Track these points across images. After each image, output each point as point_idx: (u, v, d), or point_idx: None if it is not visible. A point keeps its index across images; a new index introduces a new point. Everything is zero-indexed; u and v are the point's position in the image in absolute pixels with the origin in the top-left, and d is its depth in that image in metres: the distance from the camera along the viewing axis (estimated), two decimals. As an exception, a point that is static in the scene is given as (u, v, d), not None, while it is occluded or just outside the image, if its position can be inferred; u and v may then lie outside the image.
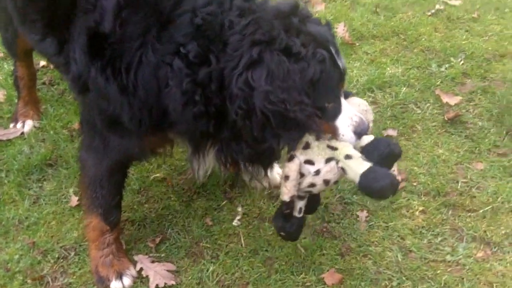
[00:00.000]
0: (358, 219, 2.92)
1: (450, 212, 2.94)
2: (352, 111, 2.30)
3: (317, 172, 2.27)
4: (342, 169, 2.23)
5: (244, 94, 2.09)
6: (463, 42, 4.17)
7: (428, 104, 3.61)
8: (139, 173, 3.18)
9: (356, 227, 2.88)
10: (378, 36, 4.26)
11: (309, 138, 2.25)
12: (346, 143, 2.27)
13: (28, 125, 3.51)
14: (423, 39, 4.21)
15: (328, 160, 2.25)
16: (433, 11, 4.54)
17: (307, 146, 2.27)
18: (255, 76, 2.08)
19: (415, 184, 3.09)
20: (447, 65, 3.94)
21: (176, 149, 3.22)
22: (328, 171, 2.26)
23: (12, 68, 3.70)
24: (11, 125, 3.53)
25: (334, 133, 2.28)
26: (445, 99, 3.61)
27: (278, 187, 3.03)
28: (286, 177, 2.31)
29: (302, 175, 2.30)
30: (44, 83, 3.86)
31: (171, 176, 3.18)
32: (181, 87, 2.18)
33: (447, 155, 3.26)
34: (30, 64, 3.52)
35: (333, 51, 2.23)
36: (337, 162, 2.24)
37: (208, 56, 2.15)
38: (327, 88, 2.21)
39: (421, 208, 2.96)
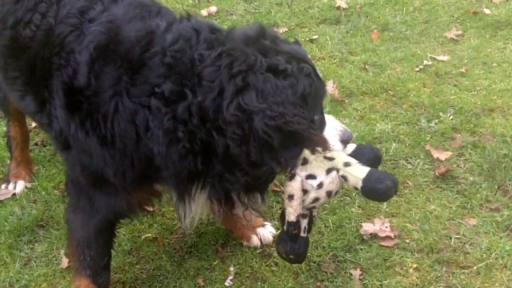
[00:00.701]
0: (351, 277, 2.89)
1: (444, 269, 2.92)
2: (335, 121, 2.37)
3: (320, 185, 2.28)
4: (343, 177, 2.25)
5: (238, 119, 2.08)
6: (452, 97, 4.22)
7: (419, 160, 3.63)
8: (130, 233, 3.16)
9: (350, 286, 2.85)
10: (367, 92, 4.31)
11: (305, 153, 2.26)
12: (339, 152, 2.32)
13: (20, 185, 3.50)
14: (412, 94, 4.26)
15: (328, 171, 2.27)
16: (421, 66, 4.60)
17: (305, 162, 2.28)
18: (246, 100, 2.08)
19: (408, 241, 3.07)
20: (436, 120, 3.97)
21: (167, 208, 3.24)
22: (331, 182, 2.28)
23: (4, 129, 3.73)
24: (3, 186, 3.52)
25: (325, 144, 2.30)
26: (436, 154, 3.63)
27: (270, 245, 3.04)
28: (290, 197, 2.32)
29: (305, 191, 2.30)
30: (36, 144, 3.87)
31: (162, 236, 3.16)
32: (163, 126, 2.18)
33: (439, 211, 3.26)
34: (23, 123, 3.53)
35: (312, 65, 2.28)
36: (338, 171, 2.26)
37: (184, 91, 2.16)
38: (316, 101, 2.25)
39: (415, 266, 2.94)
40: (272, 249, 3.01)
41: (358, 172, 2.22)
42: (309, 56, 2.37)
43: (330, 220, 3.18)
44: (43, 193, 3.45)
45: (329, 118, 2.36)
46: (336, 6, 5.48)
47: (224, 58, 2.15)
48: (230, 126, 2.09)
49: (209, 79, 2.13)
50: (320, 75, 2.31)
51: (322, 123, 2.33)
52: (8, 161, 3.63)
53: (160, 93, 2.19)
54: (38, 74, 2.52)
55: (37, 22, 2.55)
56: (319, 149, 2.28)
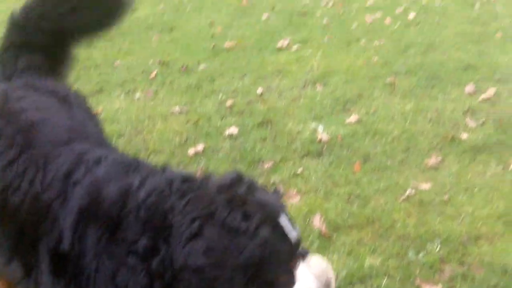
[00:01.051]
0: None
1: None
2: (310, 279, 2.22)
3: None
4: None
5: (186, 267, 2.10)
6: (437, 227, 4.25)
7: (410, 296, 3.61)
8: None
9: None
10: (353, 225, 4.33)
11: None
12: None
13: None
14: (398, 225, 4.29)
15: None
16: (404, 196, 4.66)
17: None
18: (195, 248, 2.10)
19: None
20: (424, 252, 3.98)
21: None
22: None
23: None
24: None
25: None
26: (426, 289, 3.62)
27: None
28: None
29: None
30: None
31: None
32: (139, 283, 2.18)
33: None
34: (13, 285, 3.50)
35: (283, 222, 2.21)
36: None
37: (157, 245, 2.18)
38: (274, 264, 2.17)
39: None
40: None
41: None
42: (286, 207, 2.35)
43: None
44: None
45: (305, 276, 2.23)
46: (318, 139, 5.64)
47: (190, 204, 2.21)
48: (181, 272, 2.12)
49: (177, 229, 2.17)
50: (293, 234, 2.22)
51: (290, 283, 2.23)
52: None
53: (135, 250, 2.22)
54: (26, 240, 2.56)
55: (25, 189, 2.62)
56: None
